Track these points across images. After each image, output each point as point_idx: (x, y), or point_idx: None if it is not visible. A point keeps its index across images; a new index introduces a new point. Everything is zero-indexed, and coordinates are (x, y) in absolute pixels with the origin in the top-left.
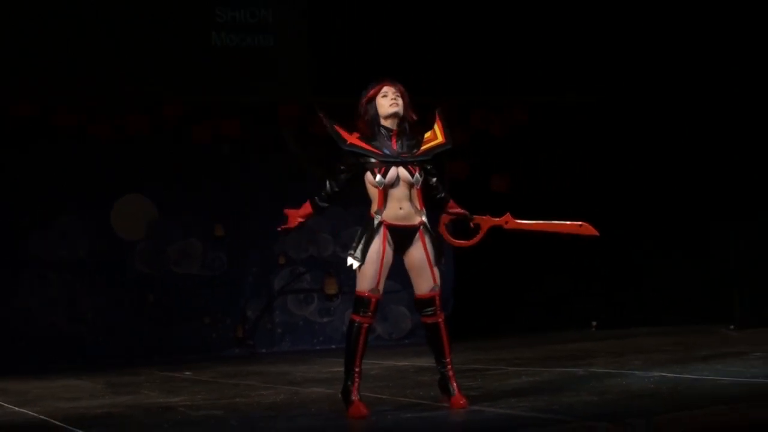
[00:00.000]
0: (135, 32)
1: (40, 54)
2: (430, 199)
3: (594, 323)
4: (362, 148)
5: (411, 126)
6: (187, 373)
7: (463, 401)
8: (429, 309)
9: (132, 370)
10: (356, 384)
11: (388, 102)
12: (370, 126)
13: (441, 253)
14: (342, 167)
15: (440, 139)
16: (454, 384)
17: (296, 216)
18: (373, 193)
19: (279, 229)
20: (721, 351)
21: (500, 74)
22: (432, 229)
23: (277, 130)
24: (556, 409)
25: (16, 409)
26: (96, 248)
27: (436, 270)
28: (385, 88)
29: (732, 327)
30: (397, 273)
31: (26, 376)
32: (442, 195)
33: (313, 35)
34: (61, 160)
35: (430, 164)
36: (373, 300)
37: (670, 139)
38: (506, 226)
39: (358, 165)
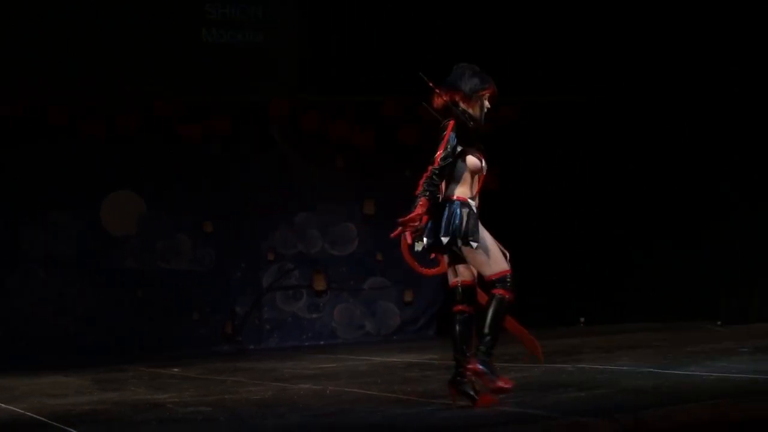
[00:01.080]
0: (126, 30)
1: (31, 53)
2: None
3: (582, 319)
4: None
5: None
6: (175, 369)
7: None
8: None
9: (119, 366)
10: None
11: (486, 108)
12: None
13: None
14: (449, 150)
15: None
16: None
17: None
18: (467, 177)
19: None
20: (708, 347)
21: (489, 72)
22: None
23: (267, 127)
24: (545, 405)
25: (3, 405)
26: (86, 245)
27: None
28: (493, 93)
29: (719, 323)
30: (387, 268)
31: (14, 372)
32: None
33: (304, 32)
34: (52, 158)
35: None
36: (510, 272)
37: (657, 137)
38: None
39: (460, 148)
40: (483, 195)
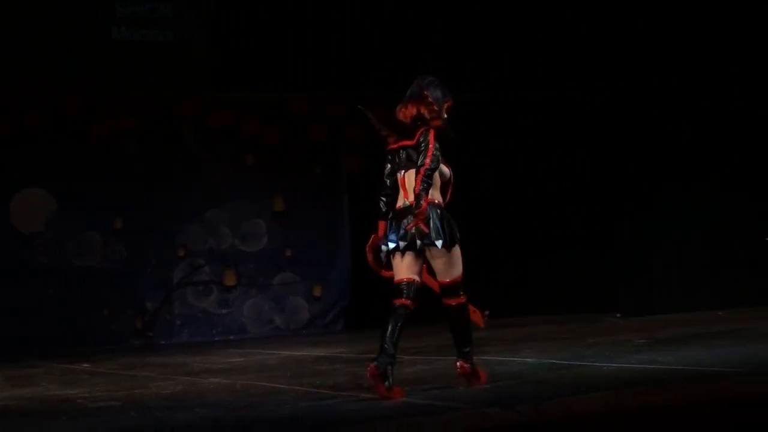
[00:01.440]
0: (35, 27)
1: None
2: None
3: (487, 312)
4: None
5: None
6: (86, 365)
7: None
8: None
9: (31, 362)
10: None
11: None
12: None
13: None
14: (437, 155)
15: None
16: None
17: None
18: (439, 184)
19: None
20: (608, 339)
21: (402, 70)
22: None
23: (178, 124)
24: (450, 396)
25: None
26: None
27: None
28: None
29: (618, 315)
30: (296, 264)
31: None
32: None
33: (214, 30)
34: None
35: None
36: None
37: (557, 133)
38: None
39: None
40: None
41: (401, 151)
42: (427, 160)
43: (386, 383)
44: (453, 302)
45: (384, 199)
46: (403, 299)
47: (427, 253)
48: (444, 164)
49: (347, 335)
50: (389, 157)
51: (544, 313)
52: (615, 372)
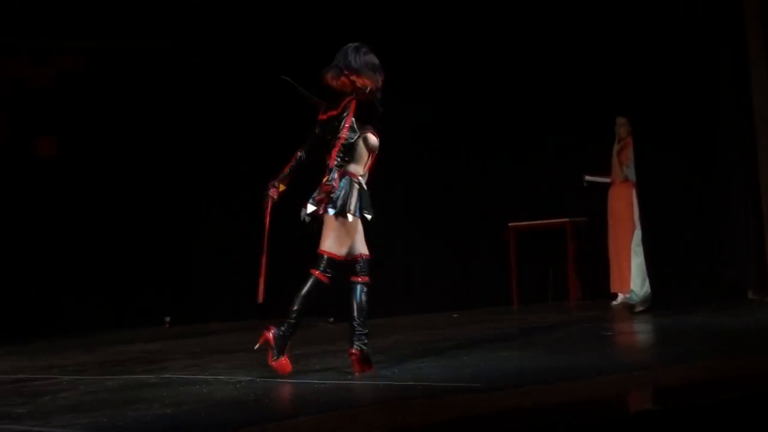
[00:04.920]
0: None
1: None
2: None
3: (168, 319)
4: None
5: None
6: None
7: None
8: (365, 269)
9: None
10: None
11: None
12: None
13: None
14: (355, 129)
15: None
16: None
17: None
18: (364, 155)
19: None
20: (319, 348)
21: (47, 12)
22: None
23: None
24: (122, 425)
25: None
26: None
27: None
28: (381, 77)
29: (331, 320)
30: None
31: None
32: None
33: None
34: None
35: None
36: (341, 264)
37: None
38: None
39: (361, 127)
40: (37, 164)
41: (332, 122)
42: (342, 134)
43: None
44: (312, 271)
45: (300, 153)
46: (364, 276)
47: None
48: (373, 134)
49: None
50: (318, 128)
51: (232, 319)
52: (330, 390)
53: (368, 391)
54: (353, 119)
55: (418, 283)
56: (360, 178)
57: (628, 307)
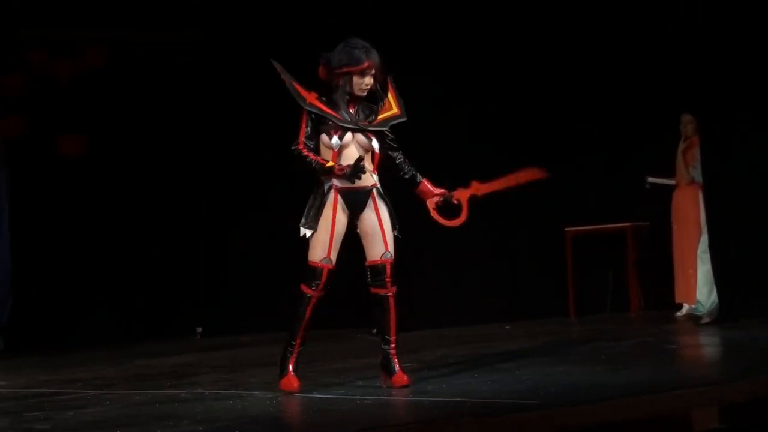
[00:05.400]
0: None
1: None
2: (398, 177)
3: (199, 330)
4: (321, 110)
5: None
6: None
7: (405, 379)
8: (380, 278)
9: None
10: (294, 356)
11: (363, 84)
12: (334, 91)
13: (395, 221)
14: (308, 127)
15: (395, 110)
16: (396, 362)
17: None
18: (327, 155)
19: None
20: (361, 362)
21: (70, 3)
22: (385, 194)
23: None
24: None
25: None
26: None
27: (389, 236)
28: (367, 69)
29: (374, 332)
30: None
31: None
32: (412, 173)
33: None
34: None
35: (390, 136)
36: (325, 270)
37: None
38: (479, 193)
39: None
40: (60, 163)
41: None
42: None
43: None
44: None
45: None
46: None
47: None
48: (330, 133)
49: (7, 362)
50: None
51: (269, 330)
52: (372, 408)
53: (412, 408)
54: (306, 124)
55: (466, 292)
56: (325, 183)
57: (694, 318)
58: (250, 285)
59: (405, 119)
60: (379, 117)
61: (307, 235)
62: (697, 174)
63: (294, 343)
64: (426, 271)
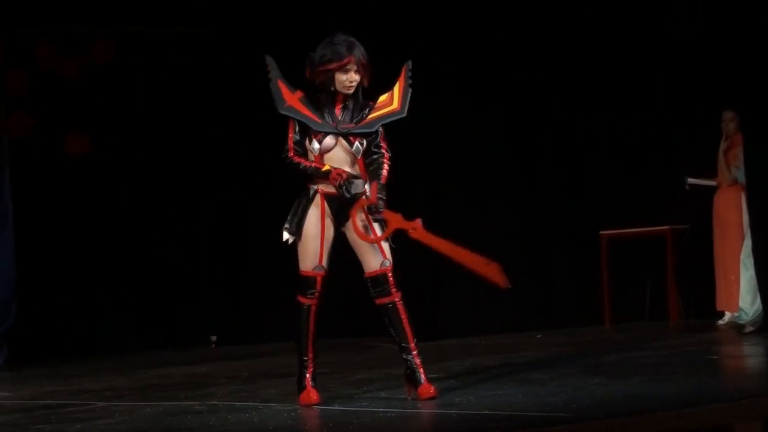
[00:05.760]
0: None
1: None
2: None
3: (213, 338)
4: (299, 112)
5: (363, 91)
6: None
7: (432, 390)
8: (381, 287)
9: None
10: (310, 369)
11: (347, 81)
12: (317, 89)
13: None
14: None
15: (394, 105)
16: (422, 372)
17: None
18: (310, 159)
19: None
20: (382, 372)
21: None
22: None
23: None
24: None
25: None
26: None
27: (384, 243)
28: (349, 64)
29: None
30: None
31: None
32: (376, 171)
33: None
34: None
35: (376, 139)
36: (319, 278)
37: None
38: (412, 234)
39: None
40: (67, 163)
41: None
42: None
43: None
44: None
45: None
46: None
47: None
48: (316, 137)
49: (12, 372)
50: None
51: (283, 339)
52: (395, 421)
53: (438, 421)
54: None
55: (495, 299)
56: (312, 186)
57: (737, 327)
58: (267, 291)
59: (403, 116)
60: (370, 116)
61: (290, 240)
62: (740, 174)
63: (306, 358)
64: (453, 277)
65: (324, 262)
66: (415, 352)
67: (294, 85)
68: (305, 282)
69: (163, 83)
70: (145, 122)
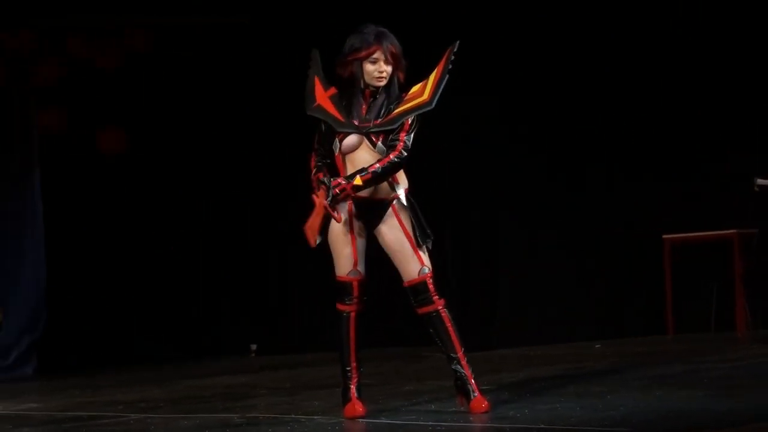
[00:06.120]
0: None
1: None
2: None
3: (253, 347)
4: (325, 111)
5: (399, 85)
6: None
7: (485, 404)
8: (422, 296)
9: None
10: (354, 380)
11: (375, 72)
12: (348, 84)
13: (426, 232)
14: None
15: (425, 96)
16: (473, 383)
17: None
18: (339, 159)
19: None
20: (434, 384)
21: None
22: (413, 205)
23: None
24: None
25: None
26: None
27: (421, 250)
28: (377, 53)
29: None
30: None
31: None
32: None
33: None
34: None
35: (393, 133)
36: (355, 283)
37: None
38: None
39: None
40: (101, 160)
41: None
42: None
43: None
44: None
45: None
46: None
47: None
48: (346, 135)
49: (42, 382)
50: None
51: (328, 349)
52: None
53: None
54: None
55: (552, 307)
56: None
57: None
58: (310, 297)
59: (431, 108)
60: (396, 110)
61: (318, 240)
62: None
63: (349, 369)
64: (507, 284)
65: (359, 266)
66: (464, 361)
67: (331, 81)
68: (342, 288)
69: (201, 76)
70: (184, 118)
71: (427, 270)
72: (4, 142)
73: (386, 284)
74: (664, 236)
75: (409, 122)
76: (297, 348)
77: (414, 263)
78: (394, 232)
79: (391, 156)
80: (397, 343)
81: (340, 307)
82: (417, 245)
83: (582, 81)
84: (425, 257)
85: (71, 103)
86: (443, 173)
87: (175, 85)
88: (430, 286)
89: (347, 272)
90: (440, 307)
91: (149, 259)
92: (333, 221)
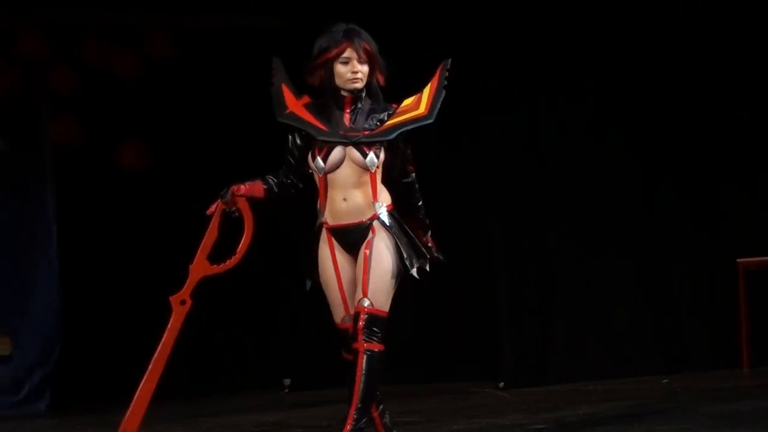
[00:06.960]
0: None
1: None
2: (398, 205)
3: (287, 382)
4: (301, 119)
5: (380, 90)
6: None
7: None
8: (354, 328)
9: None
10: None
11: (348, 73)
12: (321, 92)
13: (419, 252)
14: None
15: (421, 109)
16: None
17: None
18: (318, 183)
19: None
20: (486, 421)
21: None
22: (396, 226)
23: None
24: None
25: None
26: None
27: (375, 275)
28: (348, 52)
29: (501, 385)
30: None
31: None
32: (418, 205)
33: None
34: None
35: (401, 144)
36: (350, 329)
37: None
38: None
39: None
40: (118, 178)
41: None
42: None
43: None
44: None
45: None
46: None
47: None
48: (316, 153)
49: (56, 419)
50: None
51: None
52: None
53: None
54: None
55: (614, 338)
56: (319, 216)
57: None
58: None
59: (430, 122)
60: (389, 122)
61: (308, 286)
62: None
63: (372, 416)
64: (565, 312)
65: (352, 311)
66: (352, 411)
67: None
68: (339, 337)
69: (228, 82)
70: (210, 128)
71: (367, 303)
72: (15, 155)
73: (427, 317)
74: (738, 260)
75: (410, 150)
76: (333, 382)
77: (359, 290)
78: (361, 254)
79: (418, 196)
80: (442, 378)
81: (345, 356)
82: (369, 270)
83: (653, 98)
84: (375, 287)
85: (87, 113)
86: (493, 191)
87: (200, 94)
88: (361, 322)
89: (341, 319)
90: (361, 350)
91: (172, 287)
92: (322, 264)
